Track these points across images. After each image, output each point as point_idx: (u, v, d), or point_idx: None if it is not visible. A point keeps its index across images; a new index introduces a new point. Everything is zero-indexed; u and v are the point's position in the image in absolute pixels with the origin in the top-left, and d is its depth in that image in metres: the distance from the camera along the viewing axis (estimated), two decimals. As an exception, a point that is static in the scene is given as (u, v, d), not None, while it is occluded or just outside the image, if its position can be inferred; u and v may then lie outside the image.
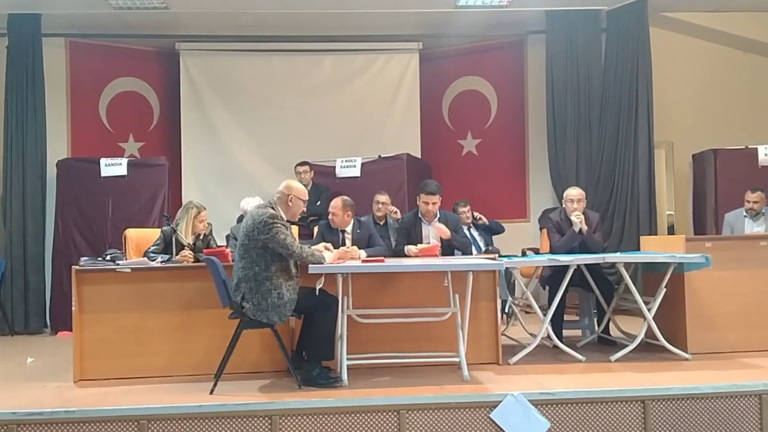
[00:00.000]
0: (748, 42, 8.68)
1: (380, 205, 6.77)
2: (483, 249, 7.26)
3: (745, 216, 6.78)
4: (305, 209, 4.95)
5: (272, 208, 4.63)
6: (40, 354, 6.33)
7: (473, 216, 7.59)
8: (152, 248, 5.58)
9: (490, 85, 9.29)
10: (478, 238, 7.47)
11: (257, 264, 4.49)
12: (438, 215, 5.93)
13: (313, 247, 4.92)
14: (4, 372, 5.55)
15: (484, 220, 7.61)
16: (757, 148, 7.82)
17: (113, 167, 7.95)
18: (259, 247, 4.49)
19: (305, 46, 9.03)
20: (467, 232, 7.42)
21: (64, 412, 3.99)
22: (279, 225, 4.50)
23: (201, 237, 5.76)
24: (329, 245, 5.18)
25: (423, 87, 9.06)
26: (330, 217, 5.86)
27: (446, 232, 5.75)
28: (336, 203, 5.87)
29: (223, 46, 9.01)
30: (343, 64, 9.10)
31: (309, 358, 4.64)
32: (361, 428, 4.04)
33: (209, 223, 5.92)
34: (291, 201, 4.70)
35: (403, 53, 9.07)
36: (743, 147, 7.90)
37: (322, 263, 4.61)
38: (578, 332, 6.14)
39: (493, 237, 7.65)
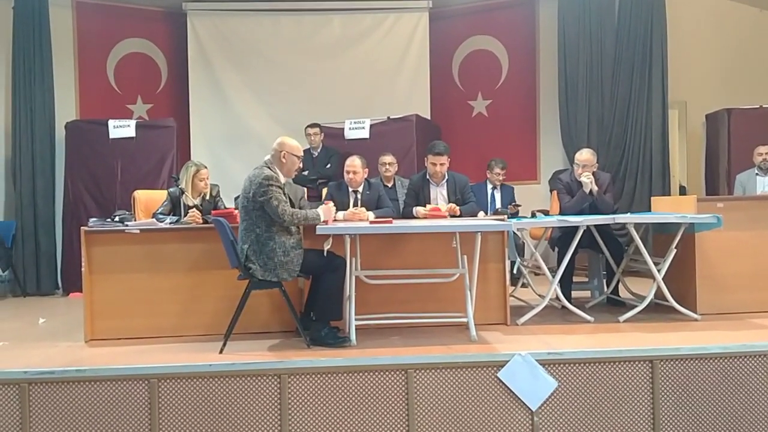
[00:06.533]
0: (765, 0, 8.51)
1: (387, 166, 6.75)
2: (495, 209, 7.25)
3: (758, 174, 6.72)
4: (300, 165, 4.91)
5: (269, 167, 4.60)
6: (51, 314, 6.40)
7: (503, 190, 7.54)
8: (160, 210, 5.60)
9: (501, 44, 9.13)
10: (498, 200, 7.43)
11: (258, 226, 4.50)
12: (446, 176, 5.87)
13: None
14: (17, 332, 5.61)
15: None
16: (771, 108, 7.73)
17: (122, 129, 7.94)
18: (258, 209, 4.49)
19: (313, 5, 8.90)
20: (490, 192, 7.39)
21: (75, 371, 4.04)
22: (274, 188, 4.48)
23: (207, 198, 5.76)
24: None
25: (433, 47, 8.91)
26: (350, 176, 5.80)
27: (455, 211, 5.67)
28: (354, 162, 5.82)
29: (230, 6, 8.89)
30: (351, 23, 8.97)
31: (317, 318, 4.66)
32: (369, 387, 4.07)
33: (216, 185, 5.90)
34: (284, 157, 4.66)
35: (412, 12, 8.91)
36: (758, 106, 7.81)
37: (318, 223, 4.60)
38: (587, 293, 6.15)
39: None
